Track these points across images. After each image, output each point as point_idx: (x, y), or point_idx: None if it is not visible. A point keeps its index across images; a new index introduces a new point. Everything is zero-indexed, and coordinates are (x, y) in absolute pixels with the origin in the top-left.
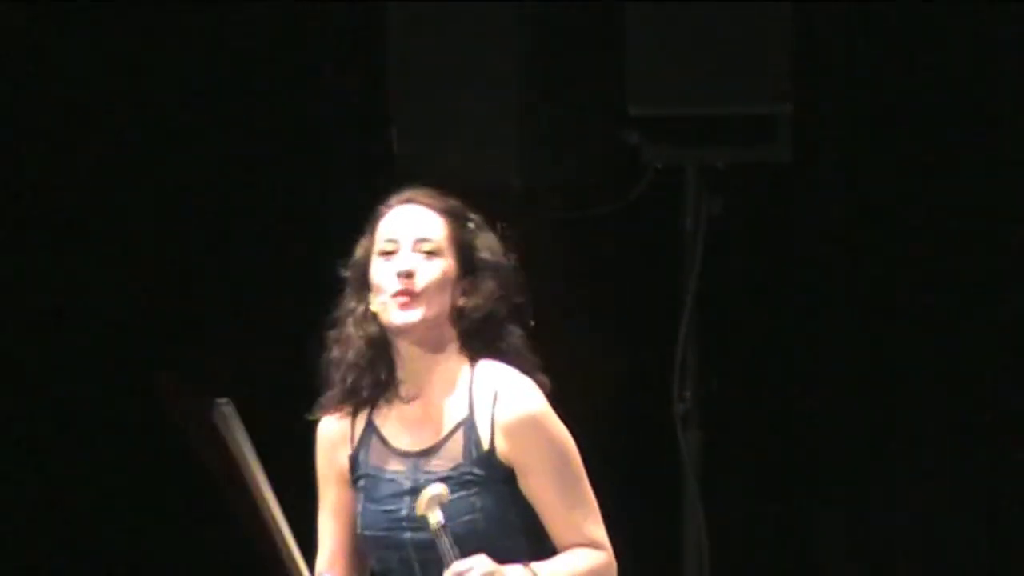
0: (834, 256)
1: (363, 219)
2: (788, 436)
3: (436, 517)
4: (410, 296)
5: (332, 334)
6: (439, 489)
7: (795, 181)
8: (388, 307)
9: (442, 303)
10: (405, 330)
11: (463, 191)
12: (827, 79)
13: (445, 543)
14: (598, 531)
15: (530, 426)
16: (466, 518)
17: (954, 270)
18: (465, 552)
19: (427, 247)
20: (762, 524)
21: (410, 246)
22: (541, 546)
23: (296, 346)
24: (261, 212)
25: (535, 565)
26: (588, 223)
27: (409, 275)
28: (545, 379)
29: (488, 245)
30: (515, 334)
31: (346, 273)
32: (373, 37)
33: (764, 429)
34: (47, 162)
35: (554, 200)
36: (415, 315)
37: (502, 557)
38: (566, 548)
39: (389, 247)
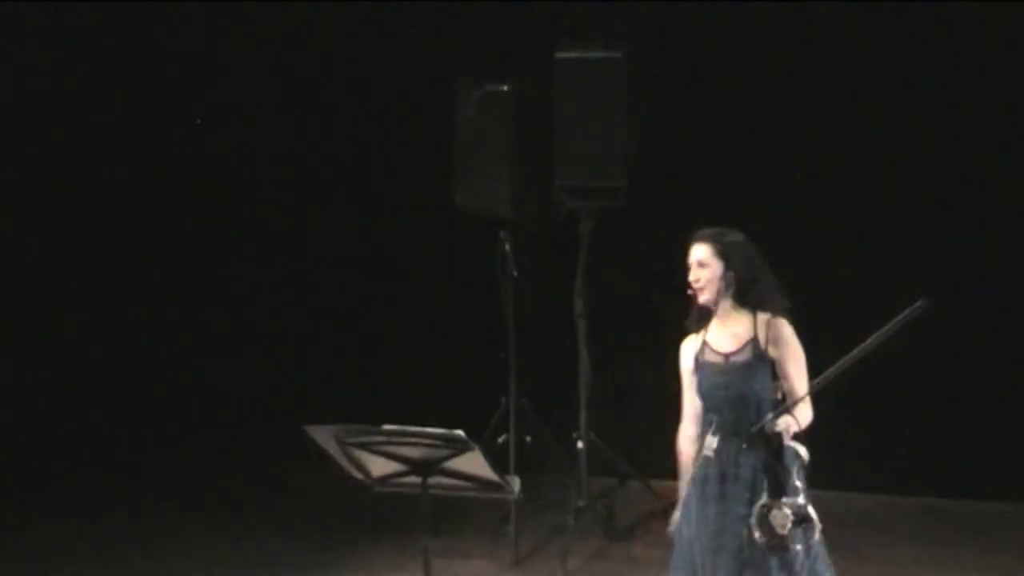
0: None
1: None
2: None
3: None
4: (697, 290)
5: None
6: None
7: (630, 219)
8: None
9: (713, 288)
10: (702, 304)
11: (476, 217)
12: (656, 156)
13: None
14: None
15: (784, 338)
16: (757, 385)
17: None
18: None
19: (702, 266)
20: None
21: (695, 264)
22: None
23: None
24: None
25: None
26: (530, 238)
27: (693, 282)
28: (788, 304)
29: (734, 247)
30: (763, 287)
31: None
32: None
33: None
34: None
35: (516, 224)
36: (701, 298)
37: (764, 396)
38: (794, 397)
39: (688, 265)
